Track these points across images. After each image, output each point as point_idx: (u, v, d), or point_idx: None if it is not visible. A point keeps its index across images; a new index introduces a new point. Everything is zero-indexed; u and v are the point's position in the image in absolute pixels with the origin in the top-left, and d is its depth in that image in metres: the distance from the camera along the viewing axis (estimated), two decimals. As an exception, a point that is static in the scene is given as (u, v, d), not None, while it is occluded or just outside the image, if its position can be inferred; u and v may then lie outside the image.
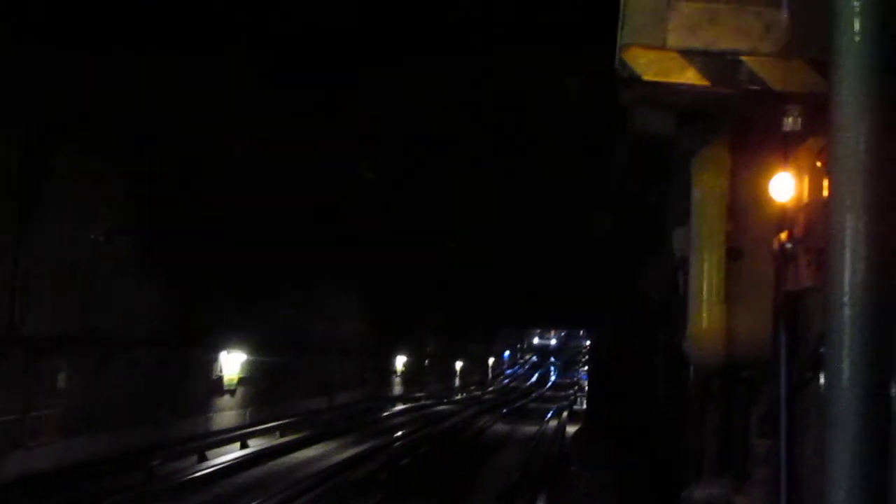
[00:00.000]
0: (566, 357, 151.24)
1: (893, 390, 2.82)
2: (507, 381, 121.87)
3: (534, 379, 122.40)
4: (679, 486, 7.01)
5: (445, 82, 20.85)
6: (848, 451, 3.06)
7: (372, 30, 19.38)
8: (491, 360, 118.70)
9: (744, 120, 6.12)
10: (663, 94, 5.39)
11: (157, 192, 28.32)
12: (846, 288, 3.07)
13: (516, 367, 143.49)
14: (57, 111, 22.21)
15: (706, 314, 6.21)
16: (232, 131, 24.65)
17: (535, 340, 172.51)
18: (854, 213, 3.09)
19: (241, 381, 36.45)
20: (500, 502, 25.69)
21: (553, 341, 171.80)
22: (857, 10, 3.20)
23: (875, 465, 2.98)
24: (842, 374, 3.06)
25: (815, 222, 4.09)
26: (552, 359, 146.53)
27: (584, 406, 53.69)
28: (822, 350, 3.29)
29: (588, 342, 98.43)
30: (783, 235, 4.64)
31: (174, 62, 20.19)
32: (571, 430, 40.58)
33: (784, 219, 4.71)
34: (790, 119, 5.04)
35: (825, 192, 3.53)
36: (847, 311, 3.06)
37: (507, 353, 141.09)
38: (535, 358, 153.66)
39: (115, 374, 27.21)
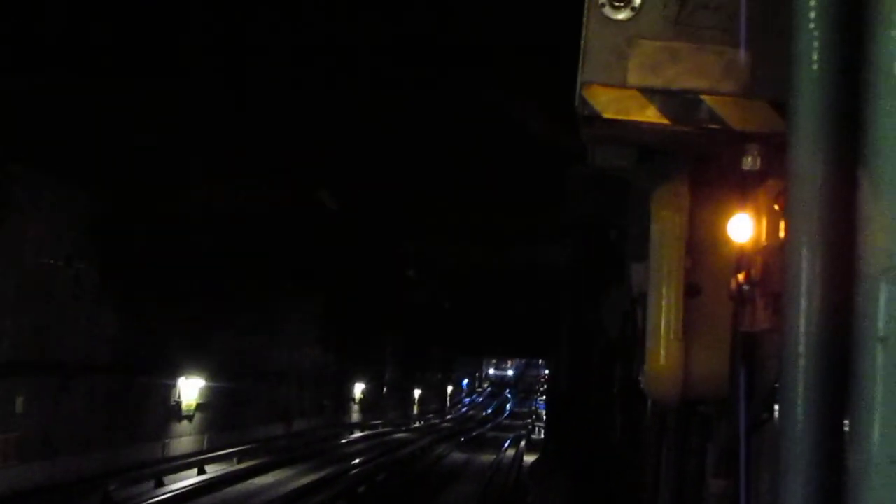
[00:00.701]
0: (524, 386, 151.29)
1: (848, 441, 2.83)
2: (465, 409, 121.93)
3: (491, 409, 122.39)
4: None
5: (401, 109, 20.86)
6: (800, 494, 3.07)
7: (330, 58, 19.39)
8: (449, 389, 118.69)
9: (704, 158, 6.15)
10: (623, 131, 5.42)
11: (116, 218, 28.23)
12: (801, 334, 3.08)
13: (475, 396, 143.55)
14: (15, 136, 22.10)
15: (663, 350, 6.22)
16: (189, 158, 24.57)
17: (492, 371, 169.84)
18: (810, 258, 3.11)
19: (199, 406, 36.37)
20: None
21: (510, 372, 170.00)
22: (816, 51, 3.21)
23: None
24: (795, 418, 3.07)
25: (772, 265, 4.12)
26: (508, 392, 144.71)
27: (542, 435, 53.60)
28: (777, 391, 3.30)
29: (546, 371, 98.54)
30: (741, 276, 4.66)
31: (131, 87, 20.11)
32: (529, 459, 40.52)
33: (742, 259, 4.73)
34: (749, 159, 5.06)
35: (782, 235, 3.55)
36: (801, 359, 3.07)
37: (465, 381, 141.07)
38: (489, 389, 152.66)
39: (73, 399, 27.11)
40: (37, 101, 20.35)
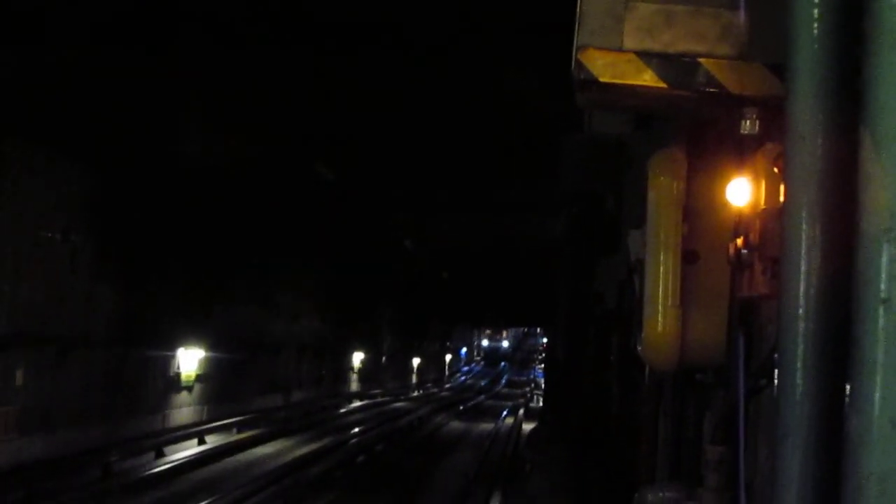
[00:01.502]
0: (522, 355, 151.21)
1: (846, 405, 2.79)
2: (463, 378, 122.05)
3: (491, 377, 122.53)
4: (633, 489, 6.99)
5: (401, 78, 20.81)
6: (798, 461, 3.04)
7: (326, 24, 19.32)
8: (448, 358, 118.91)
9: (701, 123, 6.10)
10: (620, 96, 5.36)
11: (113, 190, 28.19)
12: (800, 298, 3.04)
13: (473, 365, 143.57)
14: (11, 108, 22.04)
15: (661, 317, 6.18)
16: (188, 129, 24.52)
17: (485, 343, 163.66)
18: (809, 222, 3.06)
19: (198, 377, 36.38)
20: (455, 501, 25.69)
21: (505, 343, 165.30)
22: (816, 13, 3.17)
23: (825, 481, 2.96)
24: (794, 384, 3.04)
25: (770, 230, 4.07)
26: (503, 364, 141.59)
27: (540, 404, 53.66)
28: (775, 357, 3.26)
29: (545, 340, 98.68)
30: (739, 241, 4.62)
31: (130, 55, 20.04)
32: (528, 427, 40.57)
33: (740, 224, 4.69)
34: (747, 122, 5.01)
35: (781, 199, 3.50)
36: (800, 322, 3.03)
37: (464, 350, 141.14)
38: (477, 369, 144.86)
39: (72, 372, 27.10)
40: (28, 73, 20.29)
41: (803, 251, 3.05)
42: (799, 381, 3.03)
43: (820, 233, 3.04)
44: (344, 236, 43.78)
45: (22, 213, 24.29)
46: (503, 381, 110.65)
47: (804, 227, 3.07)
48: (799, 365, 3.03)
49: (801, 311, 3.03)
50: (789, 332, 3.05)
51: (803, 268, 3.05)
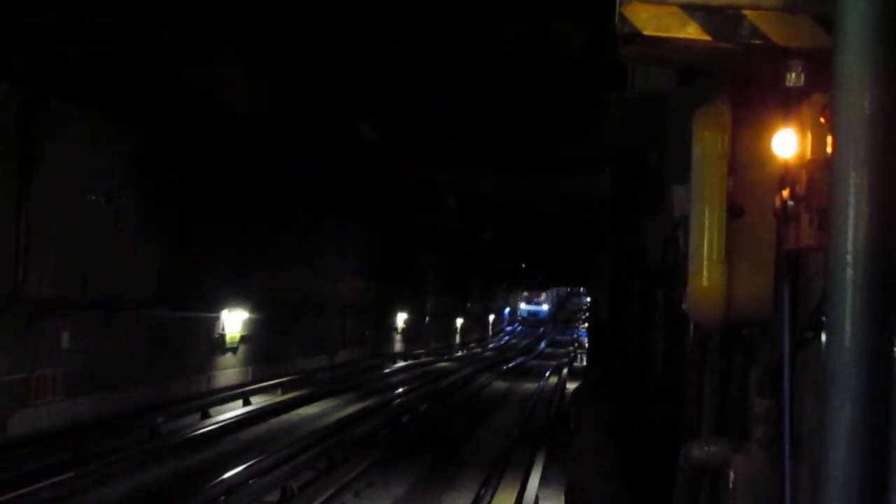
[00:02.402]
0: (565, 315, 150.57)
1: (894, 350, 2.78)
2: (506, 338, 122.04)
3: (534, 336, 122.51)
4: (678, 445, 6.99)
5: (438, 37, 20.72)
6: (848, 412, 3.02)
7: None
8: (491, 318, 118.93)
9: (745, 76, 6.05)
10: (663, 49, 5.32)
11: (156, 152, 28.30)
12: (848, 247, 3.02)
13: (516, 325, 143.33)
14: (57, 71, 22.13)
15: (706, 272, 6.17)
16: (232, 93, 24.52)
17: (522, 306, 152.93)
18: (857, 172, 3.04)
19: (242, 339, 36.61)
20: (499, 460, 25.77)
21: (545, 307, 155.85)
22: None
23: (875, 425, 2.95)
24: (843, 335, 3.02)
25: (817, 180, 4.04)
26: (541, 329, 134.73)
27: (584, 364, 53.68)
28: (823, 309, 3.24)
29: (588, 300, 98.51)
30: (785, 193, 4.59)
31: (172, 20, 20.04)
32: (571, 386, 40.61)
33: (786, 176, 4.65)
34: (793, 75, 4.97)
35: (828, 150, 3.47)
36: (849, 271, 3.01)
37: (507, 310, 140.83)
38: (520, 329, 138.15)
39: (118, 334, 27.33)
40: (70, 35, 20.32)
41: (851, 200, 3.04)
42: (847, 328, 3.01)
43: (867, 181, 3.02)
44: (387, 196, 43.77)
45: (66, 177, 24.42)
46: (545, 343, 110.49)
47: (852, 175, 3.05)
48: (847, 312, 3.02)
49: (849, 258, 3.02)
50: (838, 281, 3.04)
51: (851, 216, 3.03)
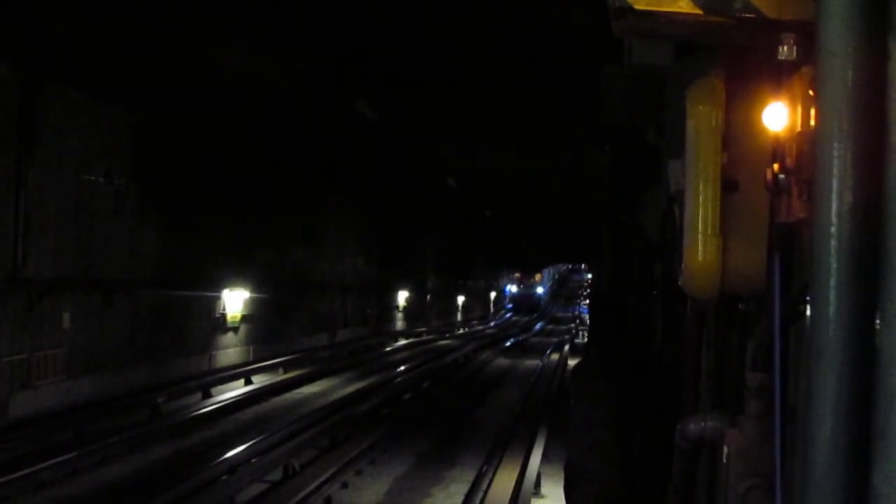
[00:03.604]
0: (567, 292, 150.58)
1: (878, 322, 2.78)
2: (509, 315, 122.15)
3: (536, 313, 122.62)
4: (677, 420, 6.99)
5: (437, 12, 20.68)
6: (833, 385, 3.02)
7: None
8: (493, 295, 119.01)
9: (739, 50, 6.03)
10: (655, 23, 5.29)
11: (156, 132, 28.29)
12: (833, 218, 3.01)
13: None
14: (56, 52, 22.11)
15: (701, 247, 6.16)
16: (230, 70, 24.50)
17: (513, 289, 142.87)
18: (841, 143, 3.03)
19: (243, 318, 36.67)
20: (501, 437, 25.81)
21: (540, 289, 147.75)
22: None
23: (860, 398, 2.95)
24: (828, 306, 3.02)
25: (806, 153, 4.03)
26: (535, 315, 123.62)
27: (585, 340, 53.72)
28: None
29: (589, 276, 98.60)
30: (776, 166, 4.58)
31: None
32: (573, 363, 40.66)
33: (777, 149, 4.64)
34: (785, 48, 4.94)
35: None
36: (833, 242, 3.01)
37: (508, 288, 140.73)
38: (507, 316, 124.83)
39: (118, 314, 27.38)
40: (66, 16, 20.29)
41: (835, 170, 3.03)
42: (832, 300, 3.01)
43: (851, 151, 3.01)
44: (388, 175, 43.76)
45: (65, 158, 24.44)
46: (547, 320, 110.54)
47: (835, 146, 3.04)
48: (832, 284, 3.01)
49: (833, 229, 3.01)
50: (822, 252, 3.03)
51: (835, 187, 3.02)
